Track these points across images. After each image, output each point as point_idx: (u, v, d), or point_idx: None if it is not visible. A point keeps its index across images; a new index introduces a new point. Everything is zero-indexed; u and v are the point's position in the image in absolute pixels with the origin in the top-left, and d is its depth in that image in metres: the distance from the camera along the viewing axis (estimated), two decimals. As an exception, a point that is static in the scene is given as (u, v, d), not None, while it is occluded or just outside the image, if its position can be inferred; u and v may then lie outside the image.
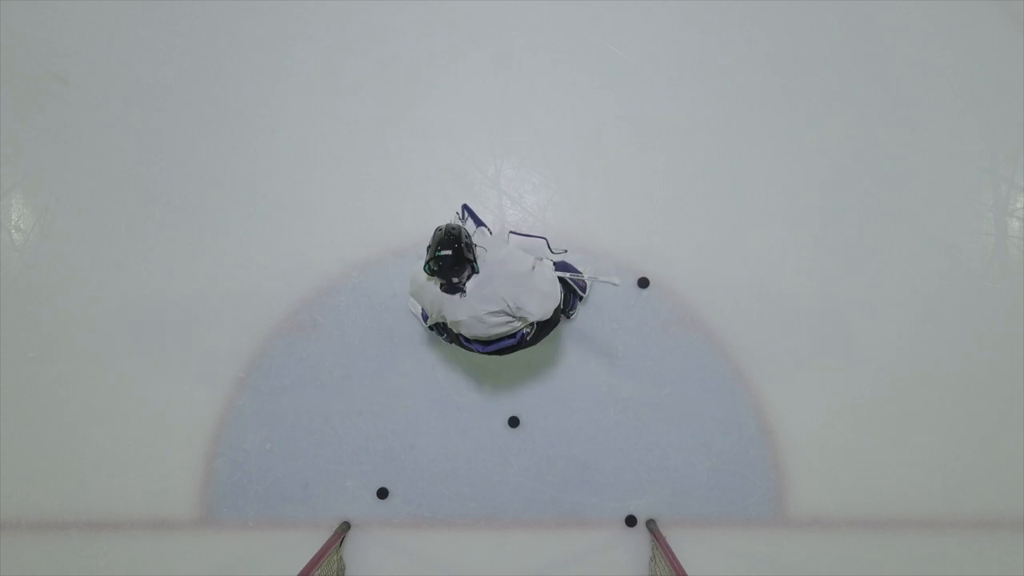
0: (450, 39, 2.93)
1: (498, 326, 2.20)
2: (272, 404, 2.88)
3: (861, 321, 2.88)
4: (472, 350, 2.33)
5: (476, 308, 2.15)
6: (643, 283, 2.86)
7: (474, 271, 2.13)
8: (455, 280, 2.11)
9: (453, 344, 2.37)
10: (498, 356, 2.35)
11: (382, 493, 2.85)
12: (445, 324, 2.31)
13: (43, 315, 2.91)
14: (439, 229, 2.13)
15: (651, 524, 2.81)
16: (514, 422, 2.86)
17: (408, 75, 2.93)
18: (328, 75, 2.93)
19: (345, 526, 2.82)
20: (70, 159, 2.92)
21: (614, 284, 2.23)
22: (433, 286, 2.19)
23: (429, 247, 2.12)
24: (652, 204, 2.89)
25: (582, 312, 2.87)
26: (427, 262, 2.10)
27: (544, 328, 2.34)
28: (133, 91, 2.92)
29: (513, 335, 2.26)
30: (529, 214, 2.92)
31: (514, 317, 2.19)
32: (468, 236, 2.14)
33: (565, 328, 2.86)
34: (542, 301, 2.18)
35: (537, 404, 2.88)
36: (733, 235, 2.89)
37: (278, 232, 2.89)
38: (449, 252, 2.07)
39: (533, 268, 2.21)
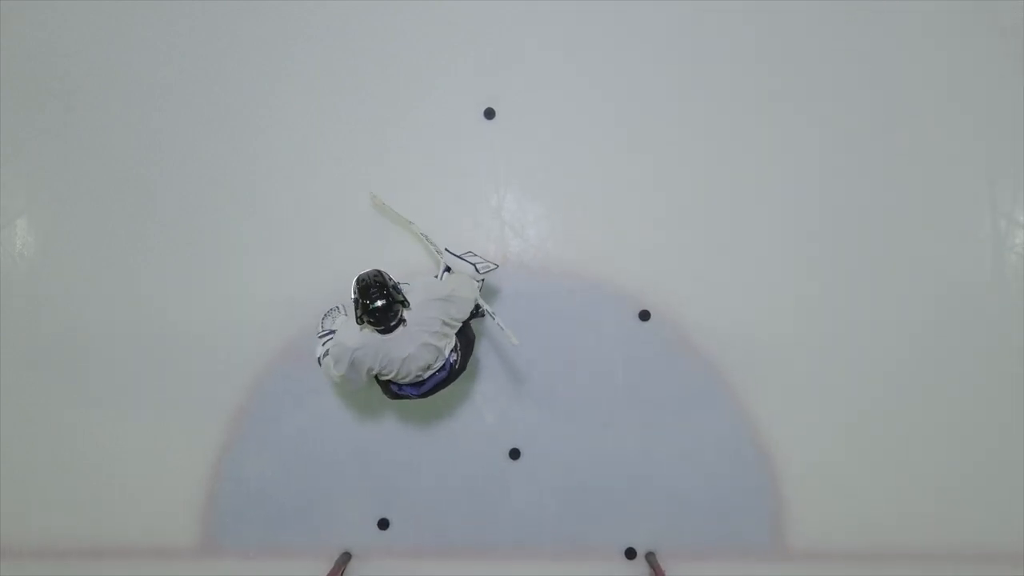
0: (451, 75, 2.94)
1: (446, 348, 2.32)
2: (273, 431, 2.89)
3: (860, 350, 2.89)
4: (406, 396, 2.41)
5: (418, 335, 2.24)
6: (644, 316, 2.87)
7: (406, 307, 2.22)
8: (393, 323, 2.19)
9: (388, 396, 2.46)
10: (443, 390, 2.44)
11: (383, 524, 2.85)
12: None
13: (43, 341, 2.91)
14: (361, 279, 2.20)
15: (650, 557, 2.82)
16: (515, 454, 2.86)
17: (411, 104, 2.93)
18: (330, 96, 2.91)
19: (346, 557, 2.82)
20: (68, 177, 2.92)
21: (514, 343, 2.39)
22: (370, 339, 2.23)
23: (356, 300, 2.18)
24: (654, 236, 2.90)
25: (583, 345, 2.88)
26: (359, 316, 2.17)
27: (467, 350, 2.46)
28: (134, 101, 2.92)
29: (443, 367, 2.35)
30: (531, 245, 2.93)
31: (452, 323, 2.33)
32: (390, 277, 2.23)
33: (566, 359, 2.87)
34: (467, 284, 2.42)
35: (538, 434, 2.89)
36: (734, 266, 2.89)
37: (280, 259, 2.89)
38: (381, 302, 2.15)
39: (446, 281, 2.45)
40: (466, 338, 2.46)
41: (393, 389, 2.42)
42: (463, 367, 2.45)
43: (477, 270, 2.63)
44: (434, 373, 2.35)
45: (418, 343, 2.26)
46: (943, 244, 2.91)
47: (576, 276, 2.90)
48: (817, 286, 2.89)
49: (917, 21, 2.92)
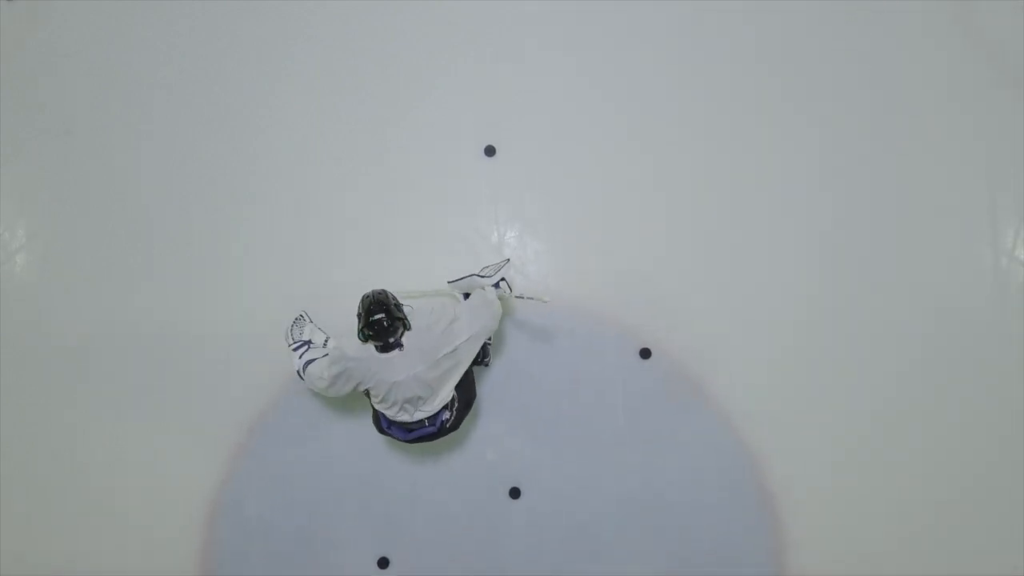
0: (452, 112, 2.94)
1: (431, 385, 2.32)
2: (273, 466, 2.88)
3: (863, 386, 2.88)
4: (392, 436, 2.46)
5: (414, 365, 2.29)
6: (645, 354, 2.86)
7: (406, 327, 2.28)
8: (391, 340, 2.25)
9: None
10: (451, 434, 2.49)
11: (383, 562, 2.85)
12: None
13: (43, 369, 2.91)
14: (366, 296, 2.30)
15: (651, 597, 2.81)
16: (515, 493, 2.86)
17: (412, 141, 2.94)
18: (331, 131, 2.93)
19: (346, 595, 2.82)
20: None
21: (543, 302, 2.40)
22: (367, 353, 2.29)
23: (359, 315, 2.27)
24: (655, 273, 2.90)
25: (585, 381, 2.87)
26: (361, 330, 2.25)
27: (464, 410, 2.49)
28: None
29: (433, 422, 2.39)
30: (531, 281, 2.93)
31: (453, 356, 2.34)
32: (394, 297, 2.32)
33: (567, 397, 2.87)
34: (475, 313, 2.39)
35: (538, 472, 2.88)
36: (736, 303, 2.89)
37: (281, 291, 2.89)
38: (382, 316, 2.22)
39: (457, 305, 2.46)
40: (466, 397, 2.46)
41: (383, 423, 2.47)
42: (455, 427, 2.46)
43: (479, 275, 2.60)
44: (424, 423, 2.37)
45: (410, 372, 2.30)
46: (943, 269, 2.89)
47: (577, 313, 2.89)
48: (818, 324, 2.88)
49: (916, 52, 2.93)
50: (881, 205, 2.90)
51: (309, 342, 2.58)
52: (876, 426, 2.88)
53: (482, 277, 2.53)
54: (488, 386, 2.86)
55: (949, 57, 2.91)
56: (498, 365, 2.84)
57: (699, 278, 2.90)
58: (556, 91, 2.93)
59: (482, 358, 2.75)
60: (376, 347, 2.30)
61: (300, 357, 2.55)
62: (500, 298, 2.50)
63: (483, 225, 2.94)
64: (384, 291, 2.33)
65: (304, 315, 2.72)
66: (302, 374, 2.54)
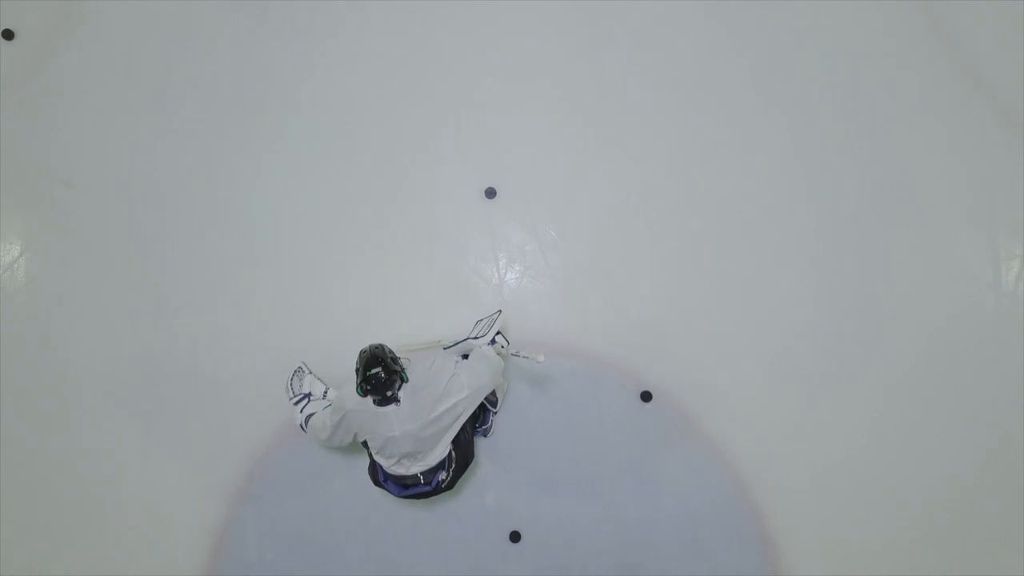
0: (453, 155, 2.95)
1: (428, 441, 2.34)
2: (274, 511, 2.88)
3: (864, 431, 2.88)
4: (387, 490, 2.48)
5: (411, 420, 2.29)
6: (646, 397, 2.86)
7: (403, 380, 2.29)
8: (388, 393, 2.26)
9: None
10: (454, 484, 2.49)
11: (383, 609, 2.84)
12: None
13: (45, 407, 2.90)
14: (363, 351, 2.30)
15: (653, 642, 2.80)
16: (515, 536, 2.85)
17: (414, 183, 2.94)
18: (335, 175, 2.94)
19: (346, 642, 2.81)
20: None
21: (538, 361, 2.35)
22: (365, 406, 2.31)
23: (357, 369, 2.27)
24: (656, 316, 2.89)
25: (585, 424, 2.87)
26: (359, 384, 2.25)
27: (460, 469, 2.49)
28: (136, 187, 2.94)
29: (429, 481, 2.41)
30: (532, 321, 2.92)
31: (452, 412, 2.34)
32: (391, 352, 2.32)
33: (569, 441, 2.86)
34: (474, 371, 2.38)
35: (538, 516, 2.87)
36: (737, 345, 2.89)
37: (284, 335, 2.89)
38: (379, 370, 2.23)
39: (456, 362, 2.44)
40: (463, 457, 2.46)
41: (379, 476, 2.48)
42: (451, 486, 2.46)
43: (493, 339, 2.57)
44: (419, 480, 2.38)
45: (407, 427, 2.30)
46: (942, 311, 2.89)
47: (577, 356, 2.89)
48: (820, 368, 2.88)
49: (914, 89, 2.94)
50: (880, 250, 2.91)
51: (309, 394, 2.59)
52: (878, 469, 2.88)
53: (477, 339, 2.53)
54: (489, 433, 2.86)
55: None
56: (499, 412, 2.84)
57: (700, 320, 2.89)
58: (557, 135, 2.94)
59: (481, 424, 2.76)
60: (374, 400, 2.30)
61: (301, 411, 2.58)
62: (499, 353, 2.49)
63: (484, 267, 2.94)
64: (381, 346, 2.34)
65: (303, 366, 2.72)
66: (304, 427, 2.56)
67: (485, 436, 2.81)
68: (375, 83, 2.93)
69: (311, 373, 2.68)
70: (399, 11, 2.93)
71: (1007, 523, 2.87)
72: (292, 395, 2.63)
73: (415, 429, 2.28)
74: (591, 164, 2.93)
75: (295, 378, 2.67)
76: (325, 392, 2.64)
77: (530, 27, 2.93)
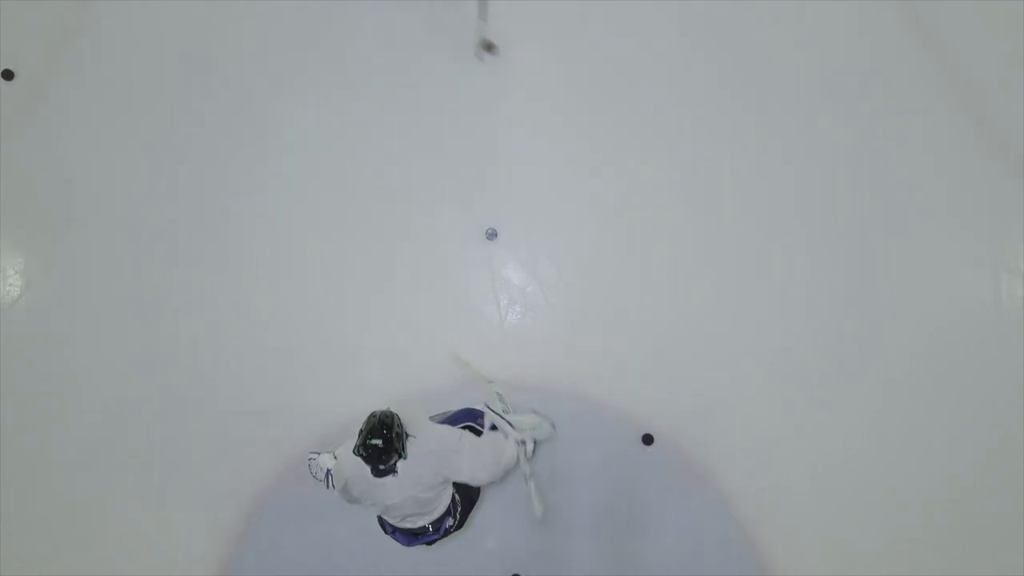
0: (455, 197, 2.94)
1: (429, 502, 2.31)
2: (272, 552, 2.87)
3: (870, 476, 2.86)
4: (395, 539, 2.44)
5: (407, 489, 2.25)
6: (647, 440, 2.84)
7: (401, 457, 2.22)
8: (382, 467, 2.20)
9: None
10: (463, 524, 2.47)
11: (383, 654, 2.84)
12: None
13: (46, 447, 2.90)
14: (372, 416, 2.23)
15: None
16: (517, 580, 2.85)
17: (417, 224, 2.93)
18: (339, 221, 2.93)
19: None
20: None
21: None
22: (363, 474, 2.26)
23: (361, 431, 2.21)
24: (657, 358, 2.88)
25: (587, 466, 2.85)
26: (357, 446, 2.19)
27: (467, 508, 2.45)
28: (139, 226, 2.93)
29: (437, 528, 2.38)
30: (534, 359, 2.91)
31: (445, 485, 2.31)
32: (400, 425, 2.24)
33: (569, 483, 2.85)
34: (479, 457, 2.30)
35: (539, 559, 2.86)
36: (739, 388, 2.87)
37: (285, 377, 2.89)
38: (379, 441, 2.17)
39: (460, 438, 2.33)
40: (468, 496, 2.43)
41: (387, 528, 2.45)
42: (460, 526, 2.44)
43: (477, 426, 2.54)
44: (427, 529, 2.36)
45: (404, 495, 2.27)
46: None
47: (579, 399, 2.87)
48: (822, 411, 2.87)
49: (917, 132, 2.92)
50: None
51: (329, 471, 2.53)
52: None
53: (512, 427, 2.45)
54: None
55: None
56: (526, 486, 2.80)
57: (703, 364, 2.88)
58: (557, 178, 2.92)
59: None
60: (371, 470, 2.24)
61: (330, 486, 2.47)
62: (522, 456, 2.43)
63: (485, 308, 2.92)
64: (392, 415, 2.24)
65: (313, 456, 2.60)
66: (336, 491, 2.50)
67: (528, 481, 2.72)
68: (377, 127, 2.92)
69: (320, 454, 2.62)
70: (401, 59, 2.93)
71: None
72: (320, 479, 2.53)
73: (415, 493, 2.26)
74: (592, 207, 2.92)
75: (311, 466, 2.56)
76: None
77: (530, 75, 2.93)
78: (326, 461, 2.44)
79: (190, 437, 2.88)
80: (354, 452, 2.21)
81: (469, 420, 2.56)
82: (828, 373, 2.88)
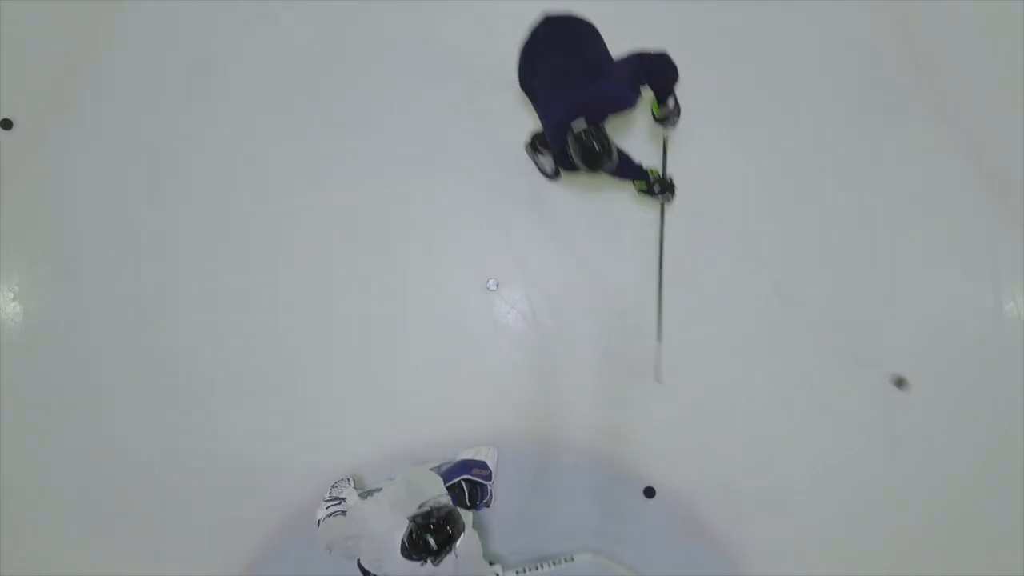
0: (457, 252, 2.95)
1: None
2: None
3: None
4: None
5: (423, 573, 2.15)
6: (649, 493, 2.83)
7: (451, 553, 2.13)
8: (416, 557, 2.10)
9: None
10: None
11: None
12: None
13: (47, 501, 2.85)
14: (444, 508, 2.11)
15: None
16: (518, 635, 2.79)
17: (419, 279, 2.93)
18: (340, 277, 2.92)
19: None
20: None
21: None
22: (390, 544, 2.14)
23: (424, 512, 2.10)
24: (659, 410, 2.87)
25: (589, 521, 2.83)
26: (412, 530, 2.07)
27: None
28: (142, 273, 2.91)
29: None
30: (534, 412, 2.89)
31: None
32: (461, 528, 2.13)
33: (572, 536, 2.81)
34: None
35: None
36: (741, 439, 2.87)
37: (285, 432, 2.86)
38: (435, 542, 2.06)
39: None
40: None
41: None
42: None
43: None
44: None
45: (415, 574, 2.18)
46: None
47: (578, 451, 2.86)
48: (826, 462, 2.87)
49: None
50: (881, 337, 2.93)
51: (342, 500, 2.48)
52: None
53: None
54: (494, 527, 2.82)
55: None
56: (502, 505, 2.79)
57: (705, 416, 2.87)
58: (557, 229, 2.94)
59: (481, 499, 2.68)
60: (403, 550, 2.12)
61: (326, 509, 2.44)
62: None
63: (487, 359, 2.91)
64: (459, 519, 2.12)
65: (350, 479, 2.62)
66: (320, 524, 2.44)
67: (488, 507, 2.72)
68: (377, 178, 2.93)
69: (354, 488, 2.56)
70: (398, 108, 2.95)
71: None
72: (327, 496, 2.52)
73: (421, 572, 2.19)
74: (591, 260, 2.93)
75: (336, 486, 2.55)
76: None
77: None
78: (349, 495, 2.39)
79: (191, 489, 2.83)
80: (404, 550, 2.11)
81: (466, 473, 2.54)
82: (842, 438, 2.89)
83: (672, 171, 2.61)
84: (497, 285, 2.92)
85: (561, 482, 2.85)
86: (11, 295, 2.89)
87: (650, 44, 2.36)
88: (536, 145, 2.83)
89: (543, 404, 2.90)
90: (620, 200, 2.90)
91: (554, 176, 2.86)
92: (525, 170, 2.92)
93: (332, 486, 2.60)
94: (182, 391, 2.85)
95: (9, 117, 2.94)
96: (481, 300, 2.93)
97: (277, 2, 2.95)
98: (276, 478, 2.83)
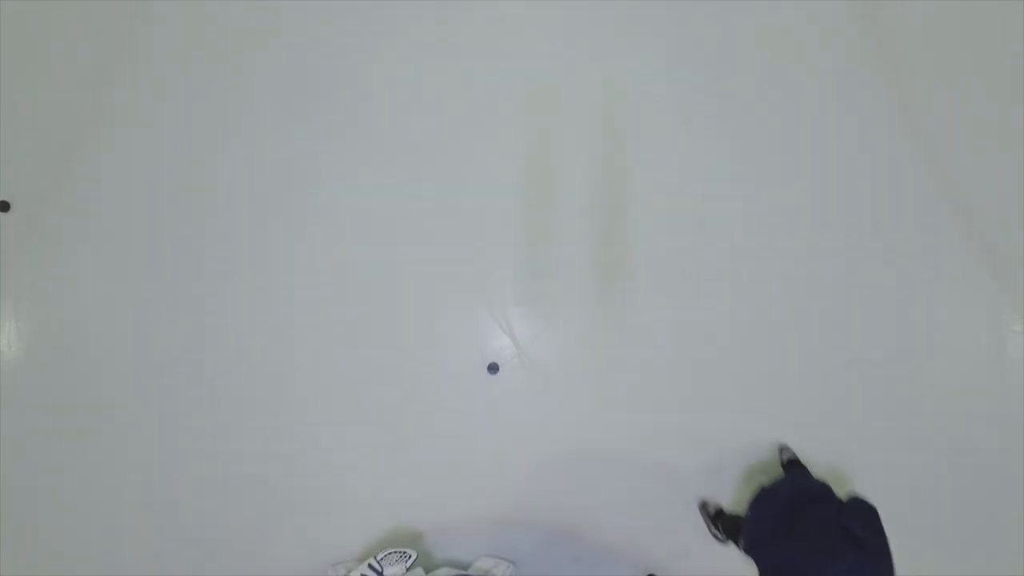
0: (457, 331, 2.90)
1: None
2: None
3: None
4: None
5: None
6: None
7: None
8: None
9: None
10: None
11: None
12: None
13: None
14: None
15: None
16: None
17: (419, 361, 2.89)
18: (337, 358, 2.89)
19: None
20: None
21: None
22: None
23: None
24: (658, 498, 2.81)
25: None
26: None
27: None
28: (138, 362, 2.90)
29: None
30: (535, 500, 2.84)
31: None
32: None
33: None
34: None
35: None
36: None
37: (283, 515, 2.85)
38: None
39: None
40: None
41: None
42: None
43: None
44: None
45: None
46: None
47: (582, 539, 2.81)
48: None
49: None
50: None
51: (381, 573, 2.47)
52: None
53: None
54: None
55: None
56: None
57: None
58: (557, 310, 2.87)
59: None
60: None
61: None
62: None
63: (486, 444, 2.86)
64: None
65: (408, 553, 2.57)
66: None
67: None
68: (374, 260, 2.89)
69: (407, 568, 2.55)
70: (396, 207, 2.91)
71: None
72: (374, 561, 2.49)
73: None
74: (587, 347, 2.87)
75: (386, 557, 2.51)
76: None
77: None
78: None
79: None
80: None
81: None
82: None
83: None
84: (497, 368, 2.86)
85: (564, 573, 2.79)
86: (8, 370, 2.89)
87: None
88: (716, 523, 2.71)
89: (541, 492, 2.85)
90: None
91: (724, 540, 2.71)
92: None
93: (383, 554, 2.55)
94: (181, 481, 2.85)
95: (7, 199, 2.93)
96: (480, 382, 2.88)
97: (278, 96, 2.91)
98: (277, 560, 2.82)
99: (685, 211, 2.88)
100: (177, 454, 2.85)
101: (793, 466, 2.66)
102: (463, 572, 2.55)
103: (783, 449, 2.75)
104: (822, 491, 2.18)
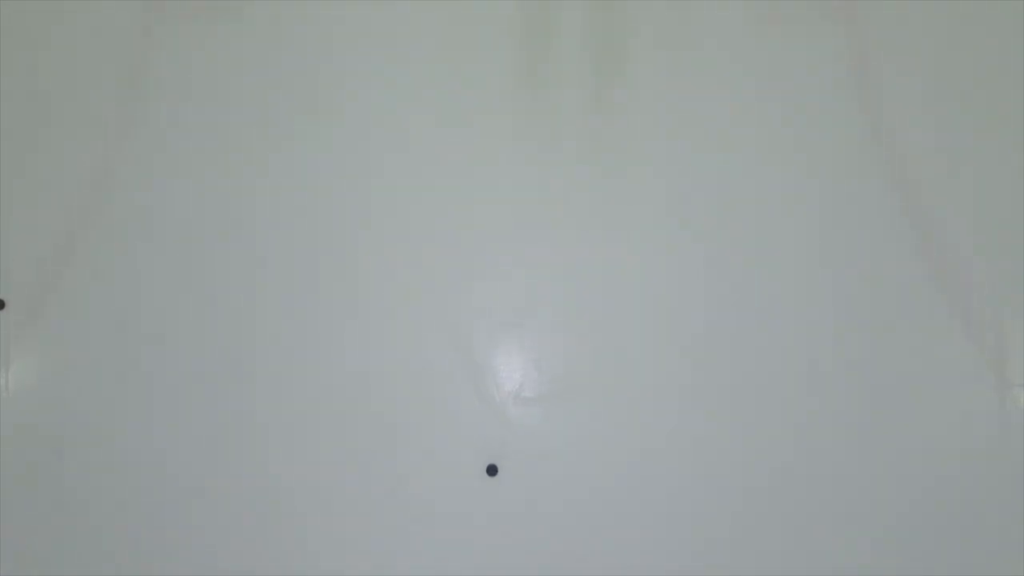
0: (453, 431, 2.93)
1: None
2: None
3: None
4: None
5: None
6: None
7: None
8: None
9: None
10: None
11: None
12: None
13: None
14: None
15: None
16: None
17: (414, 460, 2.86)
18: (331, 448, 2.83)
19: None
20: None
21: None
22: None
23: None
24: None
25: None
26: None
27: None
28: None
29: None
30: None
31: None
32: None
33: None
34: None
35: None
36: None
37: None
38: None
39: None
40: None
41: None
42: None
43: None
44: None
45: None
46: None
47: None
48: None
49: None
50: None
51: None
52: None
53: None
54: None
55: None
56: None
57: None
58: (557, 410, 2.97)
59: None
60: None
61: None
62: None
63: (485, 551, 2.85)
64: None
65: None
66: None
67: None
68: (366, 354, 2.95)
69: None
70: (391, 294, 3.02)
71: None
72: None
73: None
74: (591, 447, 2.93)
75: None
76: None
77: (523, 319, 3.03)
78: None
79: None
80: None
81: None
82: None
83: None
84: (496, 470, 2.92)
85: None
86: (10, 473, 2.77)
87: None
88: None
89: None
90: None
91: None
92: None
93: None
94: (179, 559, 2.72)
95: (1, 298, 2.95)
96: (479, 486, 2.91)
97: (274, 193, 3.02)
98: None
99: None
100: (177, 544, 2.71)
101: None
102: None
103: None
104: None
